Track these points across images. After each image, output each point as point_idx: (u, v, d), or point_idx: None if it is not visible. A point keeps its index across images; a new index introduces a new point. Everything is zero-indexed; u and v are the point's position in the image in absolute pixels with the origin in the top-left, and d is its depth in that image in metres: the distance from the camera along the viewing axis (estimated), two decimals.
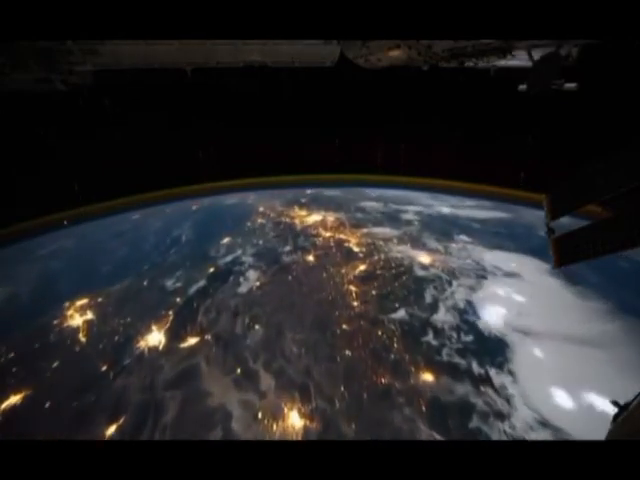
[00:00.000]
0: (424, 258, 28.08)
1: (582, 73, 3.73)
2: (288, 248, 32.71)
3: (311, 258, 29.94)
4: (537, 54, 3.75)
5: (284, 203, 51.54)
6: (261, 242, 35.65)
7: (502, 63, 4.22)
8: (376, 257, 29.29)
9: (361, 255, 29.88)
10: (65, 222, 34.26)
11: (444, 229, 35.87)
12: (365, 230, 37.39)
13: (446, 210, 43.28)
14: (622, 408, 3.05)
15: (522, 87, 4.01)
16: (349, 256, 29.94)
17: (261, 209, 49.25)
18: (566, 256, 4.46)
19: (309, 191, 57.33)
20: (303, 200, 52.53)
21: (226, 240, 36.52)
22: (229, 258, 31.09)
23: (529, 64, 3.81)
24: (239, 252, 32.40)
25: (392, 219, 41.59)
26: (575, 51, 3.62)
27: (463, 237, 33.14)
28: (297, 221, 43.42)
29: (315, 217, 44.67)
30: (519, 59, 3.91)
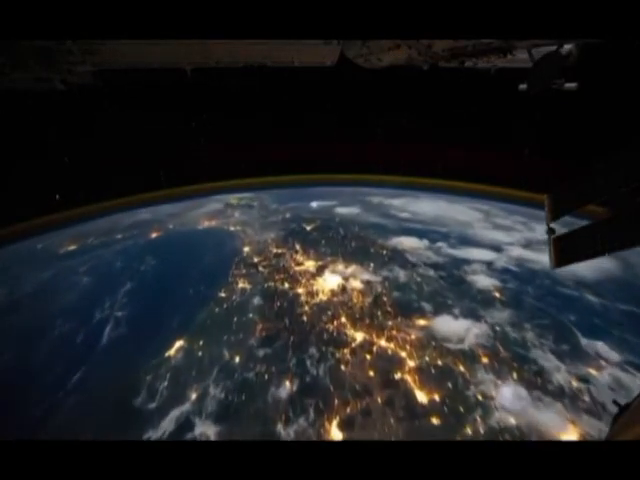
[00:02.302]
0: (568, 434, 14.13)
1: (582, 73, 3.74)
2: (288, 389, 16.59)
3: (338, 433, 14.42)
4: (537, 54, 3.76)
5: (282, 237, 33.59)
6: (238, 361, 18.15)
7: (502, 63, 4.23)
8: (469, 429, 14.49)
9: (437, 423, 14.69)
10: (57, 197, 32.81)
11: (551, 314, 20.76)
12: (422, 323, 20.53)
13: (526, 256, 27.19)
14: (622, 408, 3.05)
15: (522, 87, 4.05)
16: (414, 423, 14.64)
17: (246, 250, 31.12)
18: (566, 256, 4.47)
19: (315, 204, 42.26)
20: (308, 228, 35.79)
21: (176, 348, 19.36)
22: (170, 424, 15.02)
23: (529, 64, 3.82)
24: (193, 398, 16.37)
25: (457, 286, 23.95)
26: (575, 51, 3.63)
27: (598, 345, 18.67)
28: (302, 290, 24.39)
29: (331, 279, 25.86)
30: (519, 59, 3.92)
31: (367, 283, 24.43)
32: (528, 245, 29.02)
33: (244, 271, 26.79)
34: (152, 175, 39.45)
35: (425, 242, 30.31)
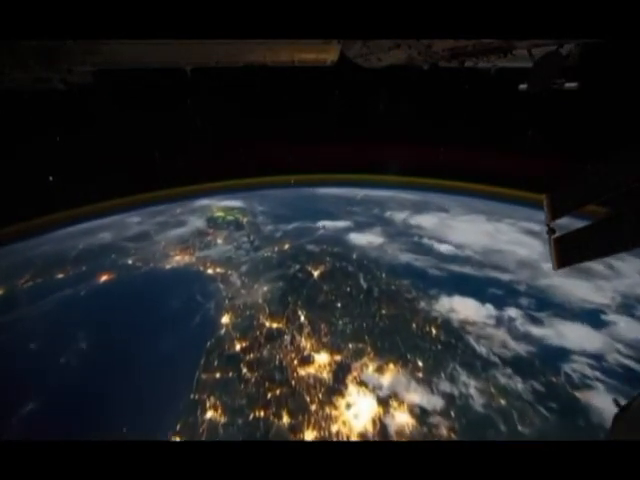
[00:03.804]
0: None
1: (583, 73, 3.75)
2: None
3: None
4: (538, 53, 3.76)
5: (279, 293, 24.05)
6: None
7: (502, 63, 4.24)
8: None
9: None
10: (50, 178, 30.88)
11: None
12: None
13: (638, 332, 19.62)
14: (623, 408, 3.05)
15: (522, 87, 4.04)
16: None
17: (226, 322, 22.08)
18: (566, 257, 4.47)
19: (320, 225, 31.45)
20: (316, 274, 25.77)
21: None
22: None
23: (530, 64, 3.82)
24: None
25: (570, 420, 15.53)
26: (576, 50, 3.63)
27: None
28: (313, 436, 16.36)
29: (359, 405, 16.29)
30: (520, 59, 3.92)
31: (421, 416, 14.50)
32: (629, 307, 20.35)
33: (218, 375, 16.92)
34: (139, 176, 38.11)
35: (489, 308, 20.56)
